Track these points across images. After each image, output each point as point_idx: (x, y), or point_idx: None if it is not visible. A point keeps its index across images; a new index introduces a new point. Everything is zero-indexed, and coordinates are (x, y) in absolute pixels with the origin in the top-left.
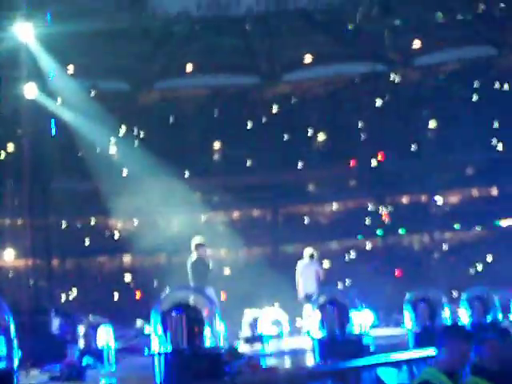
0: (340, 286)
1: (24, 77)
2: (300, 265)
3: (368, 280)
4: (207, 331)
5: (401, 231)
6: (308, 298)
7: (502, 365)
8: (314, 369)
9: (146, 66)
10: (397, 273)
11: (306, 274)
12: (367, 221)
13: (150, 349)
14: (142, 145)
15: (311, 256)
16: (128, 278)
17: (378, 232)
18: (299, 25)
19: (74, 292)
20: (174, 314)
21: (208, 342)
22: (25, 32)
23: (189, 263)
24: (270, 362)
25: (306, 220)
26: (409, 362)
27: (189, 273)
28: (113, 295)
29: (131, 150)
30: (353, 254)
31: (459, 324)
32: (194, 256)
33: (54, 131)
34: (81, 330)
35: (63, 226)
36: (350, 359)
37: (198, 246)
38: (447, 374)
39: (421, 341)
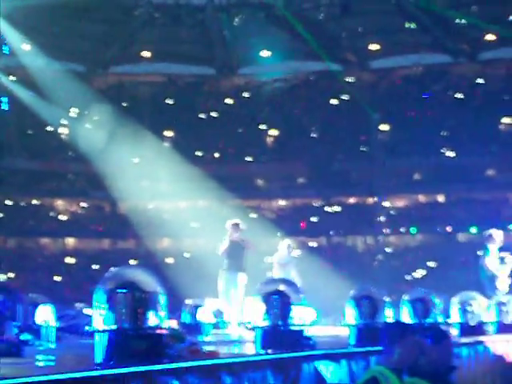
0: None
1: None
2: (278, 257)
3: (310, 279)
4: (151, 312)
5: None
6: None
7: (437, 366)
8: (255, 357)
9: (102, 49)
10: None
11: (287, 266)
12: (314, 219)
13: (91, 327)
14: (94, 127)
15: (288, 248)
16: (70, 260)
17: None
18: (259, 19)
19: (14, 271)
20: (118, 292)
21: (151, 323)
22: None
23: (222, 245)
24: (210, 349)
25: (253, 214)
26: (349, 357)
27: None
28: (53, 277)
29: (82, 131)
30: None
31: (404, 322)
32: (227, 238)
33: (5, 107)
34: (20, 306)
35: (8, 203)
36: (291, 351)
37: (233, 226)
38: (395, 371)
39: (362, 337)
